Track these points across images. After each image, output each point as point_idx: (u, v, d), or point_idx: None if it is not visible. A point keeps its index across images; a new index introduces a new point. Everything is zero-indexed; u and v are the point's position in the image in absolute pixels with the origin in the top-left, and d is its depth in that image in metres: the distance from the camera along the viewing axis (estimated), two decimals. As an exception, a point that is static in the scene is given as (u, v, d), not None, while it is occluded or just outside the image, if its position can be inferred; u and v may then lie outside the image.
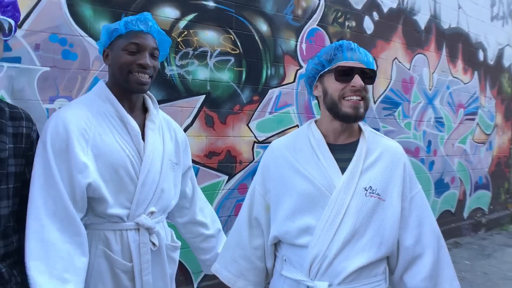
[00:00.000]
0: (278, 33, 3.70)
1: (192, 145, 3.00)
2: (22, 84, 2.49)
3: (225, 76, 3.39)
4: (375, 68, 1.45)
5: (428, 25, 5.18)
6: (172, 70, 3.10)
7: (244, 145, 3.53)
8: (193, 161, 1.83)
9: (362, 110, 1.40)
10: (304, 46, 3.89)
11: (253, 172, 3.45)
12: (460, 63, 5.70)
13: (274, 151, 1.56)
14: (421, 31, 5.10)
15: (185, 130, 3.14)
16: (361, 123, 1.51)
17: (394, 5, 4.76)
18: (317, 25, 3.99)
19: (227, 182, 3.44)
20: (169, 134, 1.63)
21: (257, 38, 3.56)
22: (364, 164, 1.41)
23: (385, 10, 4.66)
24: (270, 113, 3.68)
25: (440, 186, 5.44)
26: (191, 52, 3.19)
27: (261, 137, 3.61)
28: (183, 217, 1.81)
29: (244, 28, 3.49)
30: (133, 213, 1.44)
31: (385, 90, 4.69)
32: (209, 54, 3.29)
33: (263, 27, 3.60)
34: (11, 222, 1.29)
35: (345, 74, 1.38)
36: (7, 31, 1.22)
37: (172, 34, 3.07)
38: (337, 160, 1.42)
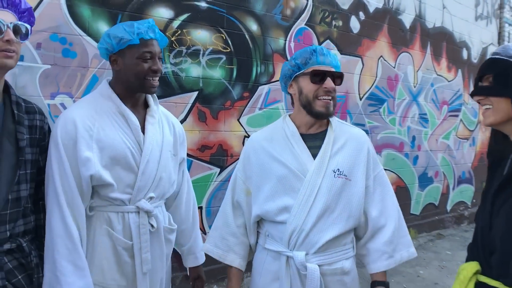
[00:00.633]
0: (268, 32, 3.80)
1: (186, 139, 3.12)
2: (25, 81, 2.59)
3: (217, 73, 3.50)
4: (341, 71, 1.67)
5: (413, 24, 5.25)
6: (166, 68, 3.20)
7: (235, 139, 3.64)
8: (187, 155, 1.97)
9: (332, 108, 1.61)
10: (292, 44, 3.98)
11: (243, 165, 3.57)
12: (444, 61, 5.77)
13: (253, 142, 1.74)
14: (406, 30, 5.17)
15: (179, 125, 3.27)
16: None
17: (380, 5, 4.83)
18: (305, 24, 4.09)
19: (219, 174, 3.56)
20: (168, 128, 1.78)
21: (247, 37, 3.67)
22: (332, 150, 1.61)
23: (371, 10, 4.74)
24: (260, 109, 3.79)
25: (424, 180, 5.53)
26: (184, 51, 3.29)
27: (251, 131, 3.69)
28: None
29: (235, 27, 3.59)
30: (134, 198, 1.59)
31: (371, 87, 4.78)
32: (201, 52, 3.39)
33: (253, 26, 3.71)
34: (29, 204, 1.45)
35: (318, 77, 1.59)
36: (23, 35, 1.35)
37: (166, 34, 3.17)
38: (309, 147, 1.62)
